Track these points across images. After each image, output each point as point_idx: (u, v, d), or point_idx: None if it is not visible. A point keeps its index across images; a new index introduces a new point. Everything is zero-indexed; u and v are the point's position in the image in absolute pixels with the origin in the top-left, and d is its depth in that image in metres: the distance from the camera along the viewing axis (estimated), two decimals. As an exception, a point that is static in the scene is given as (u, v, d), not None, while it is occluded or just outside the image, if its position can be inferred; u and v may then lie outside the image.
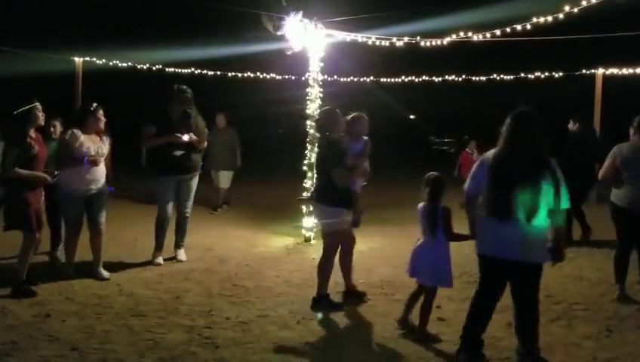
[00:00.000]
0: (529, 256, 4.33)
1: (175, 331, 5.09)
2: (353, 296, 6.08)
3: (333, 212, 5.66)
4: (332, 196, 5.63)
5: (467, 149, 12.15)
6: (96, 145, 6.58)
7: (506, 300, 6.10)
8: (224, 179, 11.46)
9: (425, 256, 5.05)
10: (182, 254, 7.55)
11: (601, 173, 6.25)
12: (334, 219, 5.67)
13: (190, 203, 7.58)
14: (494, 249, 4.42)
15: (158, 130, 7.22)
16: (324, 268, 5.84)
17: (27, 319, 5.27)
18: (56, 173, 6.18)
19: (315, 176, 6.20)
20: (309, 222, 8.78)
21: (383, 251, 8.23)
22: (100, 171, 6.61)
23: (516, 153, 4.28)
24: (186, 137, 7.22)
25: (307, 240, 8.74)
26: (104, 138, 6.73)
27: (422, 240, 5.14)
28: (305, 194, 7.10)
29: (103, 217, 6.71)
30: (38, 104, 6.01)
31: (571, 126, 9.32)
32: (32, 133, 5.99)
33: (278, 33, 8.23)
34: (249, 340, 4.94)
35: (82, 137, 6.50)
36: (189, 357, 4.59)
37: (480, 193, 4.50)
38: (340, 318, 5.53)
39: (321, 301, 5.75)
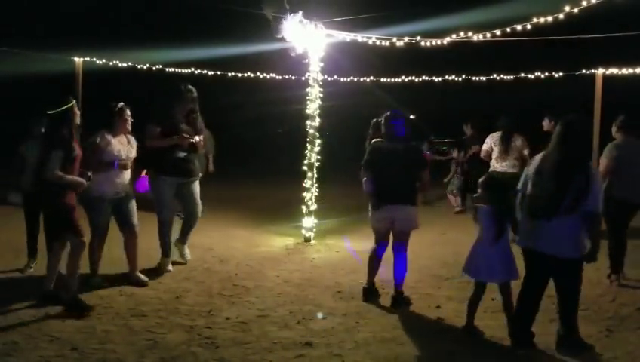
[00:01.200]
0: (565, 251, 4.64)
1: (175, 331, 5.10)
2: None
3: (415, 211, 6.05)
4: (414, 196, 6.04)
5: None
6: (125, 148, 6.38)
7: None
8: None
9: (492, 255, 5.14)
10: (187, 251, 7.44)
11: (602, 171, 6.59)
12: (417, 217, 6.08)
13: (199, 203, 7.34)
14: (536, 243, 4.75)
15: (162, 131, 6.96)
16: (405, 265, 6.11)
17: (27, 319, 5.27)
18: (89, 174, 5.84)
19: (390, 178, 5.91)
20: (309, 222, 8.79)
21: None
22: (128, 174, 6.41)
23: (561, 155, 4.65)
24: (196, 138, 7.01)
25: (307, 240, 8.75)
26: (131, 140, 6.51)
27: (483, 240, 5.22)
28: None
29: (135, 219, 6.49)
30: (74, 102, 5.76)
31: (546, 125, 9.40)
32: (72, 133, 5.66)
33: (277, 36, 8.18)
34: (249, 340, 4.94)
35: (112, 140, 6.30)
36: (189, 357, 4.59)
37: (524, 191, 4.89)
38: (340, 318, 5.53)
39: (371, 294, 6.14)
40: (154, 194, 7.15)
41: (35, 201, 6.31)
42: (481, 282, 5.26)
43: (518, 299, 4.94)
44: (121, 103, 6.44)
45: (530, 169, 4.89)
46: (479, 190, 5.28)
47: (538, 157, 4.90)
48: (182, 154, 7.02)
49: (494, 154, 9.24)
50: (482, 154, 9.54)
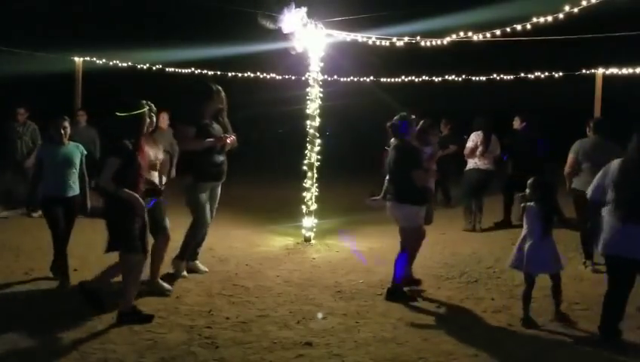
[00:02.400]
0: None
1: (175, 331, 5.10)
2: (412, 283, 6.48)
3: (413, 210, 6.15)
4: (412, 195, 6.10)
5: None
6: (154, 150, 6.09)
7: (505, 300, 6.12)
8: None
9: (543, 249, 5.47)
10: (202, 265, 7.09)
11: (567, 168, 7.42)
12: (415, 216, 6.18)
13: (215, 210, 7.08)
14: (621, 249, 4.89)
15: (197, 132, 6.56)
16: (404, 261, 6.23)
17: (27, 320, 5.27)
18: (163, 182, 5.57)
19: (390, 177, 6.30)
20: (309, 222, 8.79)
21: (383, 251, 8.22)
22: (156, 176, 6.16)
23: None
24: (232, 137, 6.69)
25: (307, 240, 8.75)
26: (156, 140, 6.29)
27: (531, 237, 5.49)
28: (375, 196, 6.76)
29: (167, 222, 6.24)
30: (148, 109, 5.42)
31: (517, 124, 9.95)
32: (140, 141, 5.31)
33: (275, 27, 8.14)
34: (249, 340, 4.94)
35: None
36: (189, 357, 4.59)
37: (603, 199, 5.07)
38: (340, 318, 5.53)
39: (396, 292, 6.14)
40: (192, 202, 6.65)
41: (61, 208, 6.27)
42: (530, 275, 5.53)
43: (605, 306, 5.06)
44: (151, 104, 6.03)
45: (608, 177, 5.01)
46: (527, 190, 5.57)
47: (615, 163, 5.02)
48: (220, 158, 6.70)
49: (477, 153, 9.79)
50: (466, 152, 9.99)
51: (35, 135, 10.17)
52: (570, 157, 7.40)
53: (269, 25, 8.17)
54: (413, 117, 6.41)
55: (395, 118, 6.33)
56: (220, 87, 6.91)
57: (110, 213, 5.25)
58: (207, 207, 6.77)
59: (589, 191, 5.23)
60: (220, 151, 6.70)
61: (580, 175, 7.28)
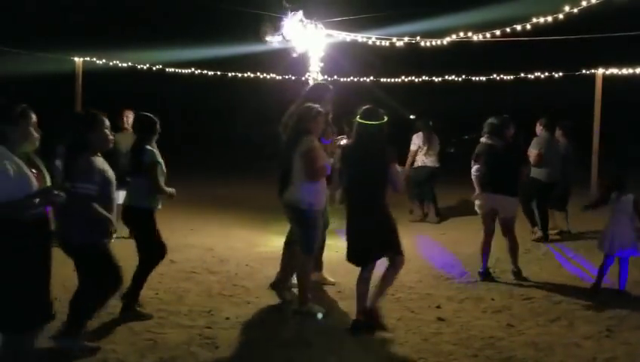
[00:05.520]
0: None
1: (175, 331, 5.09)
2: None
3: (517, 201, 7.01)
4: (515, 187, 6.82)
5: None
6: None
7: (504, 300, 6.12)
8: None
9: (630, 234, 6.25)
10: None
11: (533, 160, 8.62)
12: (517, 206, 7.03)
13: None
14: None
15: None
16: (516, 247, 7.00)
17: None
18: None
19: (493, 171, 6.74)
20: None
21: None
22: None
23: None
24: (344, 141, 6.04)
25: (307, 240, 8.73)
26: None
27: (621, 222, 6.27)
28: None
29: None
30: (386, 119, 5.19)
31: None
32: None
33: (279, 37, 8.17)
34: (249, 340, 4.94)
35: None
36: (189, 357, 4.59)
37: None
38: (341, 318, 5.53)
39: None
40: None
41: None
42: (612, 256, 6.36)
43: None
44: (317, 106, 5.70)
45: None
46: (620, 182, 6.34)
47: None
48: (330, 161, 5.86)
49: (422, 152, 10.70)
50: (411, 153, 10.82)
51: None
52: (535, 152, 8.89)
53: (272, 37, 8.17)
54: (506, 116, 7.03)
55: (496, 118, 6.96)
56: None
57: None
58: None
59: None
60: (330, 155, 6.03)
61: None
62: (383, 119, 5.17)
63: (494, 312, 5.75)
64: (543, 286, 6.64)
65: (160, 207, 5.54)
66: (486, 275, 6.86)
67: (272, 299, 6.06)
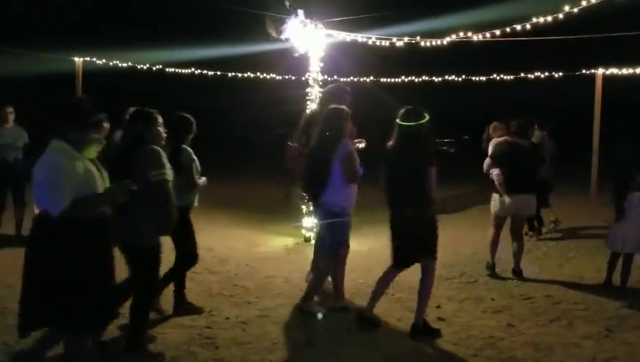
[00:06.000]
0: None
1: (175, 331, 5.09)
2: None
3: (534, 199, 7.11)
4: (535, 185, 7.02)
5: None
6: None
7: (504, 300, 6.13)
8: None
9: (636, 233, 6.39)
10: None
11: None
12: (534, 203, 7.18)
13: None
14: None
15: None
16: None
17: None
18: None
19: (517, 171, 6.80)
20: (309, 222, 8.78)
21: (383, 251, 8.21)
22: None
23: None
24: (362, 144, 6.15)
25: (307, 240, 8.74)
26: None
27: (625, 222, 6.42)
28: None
29: None
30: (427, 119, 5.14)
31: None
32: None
33: (282, 37, 8.18)
34: (249, 340, 4.94)
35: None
36: (189, 357, 4.59)
37: None
38: (341, 318, 5.53)
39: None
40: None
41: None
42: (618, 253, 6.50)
43: None
44: (344, 107, 5.69)
45: None
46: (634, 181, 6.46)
47: None
48: None
49: None
50: None
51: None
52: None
53: (275, 32, 8.16)
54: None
55: (519, 121, 7.15)
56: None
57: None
58: None
59: None
60: None
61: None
62: (423, 119, 5.15)
63: (494, 312, 5.76)
64: (543, 286, 6.64)
65: (196, 204, 5.58)
66: (493, 269, 7.04)
67: (271, 299, 6.07)
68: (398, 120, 5.16)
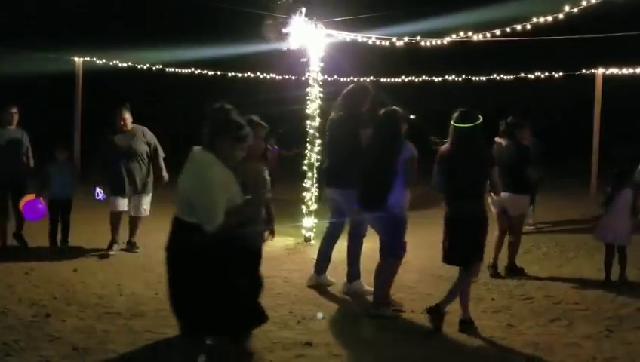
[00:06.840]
0: None
1: (175, 331, 5.08)
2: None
3: (527, 200, 7.33)
4: (523, 185, 6.99)
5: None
6: None
7: (504, 300, 6.12)
8: None
9: (625, 225, 6.65)
10: None
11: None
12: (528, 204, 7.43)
13: None
14: None
15: None
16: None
17: (27, 319, 5.26)
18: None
19: (504, 171, 6.48)
20: (309, 222, 8.78)
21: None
22: None
23: None
24: None
25: (307, 240, 8.74)
26: None
27: (616, 215, 6.65)
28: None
29: None
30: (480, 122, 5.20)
31: None
32: None
33: (282, 39, 8.17)
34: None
35: None
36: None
37: None
38: (340, 318, 5.53)
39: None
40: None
41: None
42: (610, 244, 6.71)
43: None
44: (398, 108, 5.69)
45: None
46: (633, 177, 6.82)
47: None
48: None
49: None
50: None
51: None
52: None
53: (274, 38, 8.16)
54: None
55: (507, 121, 7.20)
56: None
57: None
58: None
59: None
60: None
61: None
62: (478, 120, 5.17)
63: (494, 312, 5.75)
64: (543, 286, 6.64)
65: None
66: (495, 268, 7.03)
67: (271, 299, 6.06)
68: (453, 122, 5.21)
